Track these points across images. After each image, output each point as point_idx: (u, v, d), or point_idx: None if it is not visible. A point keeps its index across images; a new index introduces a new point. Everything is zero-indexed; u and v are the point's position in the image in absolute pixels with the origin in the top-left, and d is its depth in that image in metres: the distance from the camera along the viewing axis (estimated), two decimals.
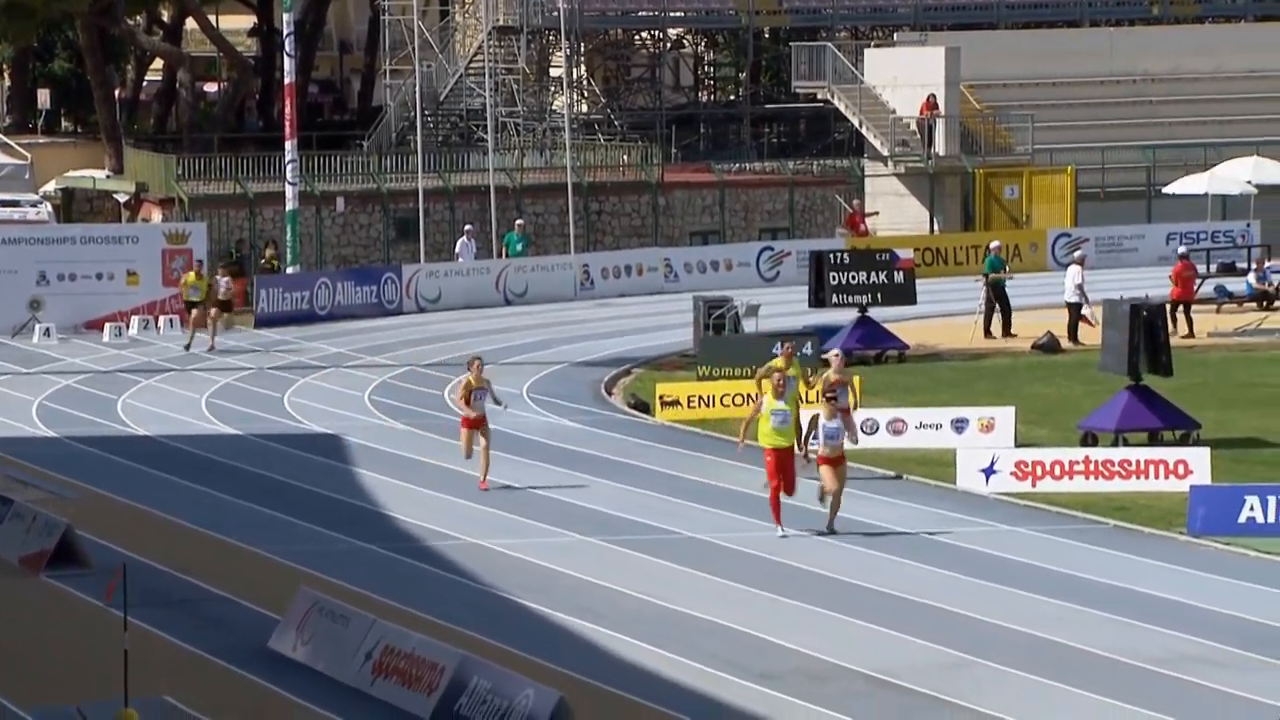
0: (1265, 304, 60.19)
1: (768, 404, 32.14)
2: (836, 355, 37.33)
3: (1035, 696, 23.76)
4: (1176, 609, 27.64)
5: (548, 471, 38.53)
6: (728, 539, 32.32)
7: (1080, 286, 54.33)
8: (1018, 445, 38.74)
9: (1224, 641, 25.90)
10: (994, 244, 59.12)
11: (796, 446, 32.77)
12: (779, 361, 37.47)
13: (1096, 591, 28.74)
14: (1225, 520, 32.45)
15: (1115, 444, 38.52)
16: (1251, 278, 61.65)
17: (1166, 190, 72.02)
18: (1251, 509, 32.53)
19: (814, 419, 32.51)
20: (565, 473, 38.43)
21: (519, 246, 69.20)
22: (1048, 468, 36.59)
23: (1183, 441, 38.40)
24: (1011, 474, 36.51)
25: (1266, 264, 62.53)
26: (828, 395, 33.96)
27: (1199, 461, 35.82)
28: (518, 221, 69.91)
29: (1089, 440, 39.00)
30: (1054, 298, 56.83)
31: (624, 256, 71.54)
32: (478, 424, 35.64)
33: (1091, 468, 36.52)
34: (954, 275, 67.35)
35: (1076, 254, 57.76)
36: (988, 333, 54.74)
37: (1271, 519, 32.29)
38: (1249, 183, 69.08)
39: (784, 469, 31.83)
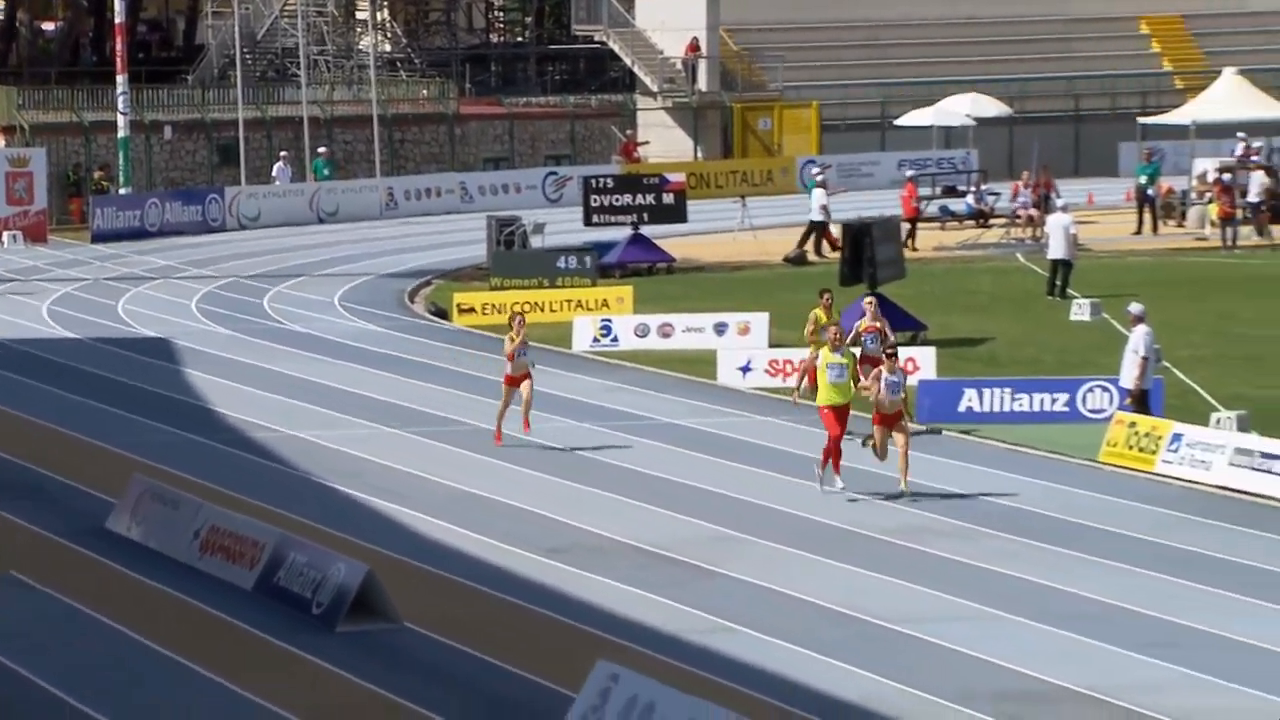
0: (982, 222, 60.86)
1: (824, 357, 27.61)
2: (871, 301, 32.01)
3: (786, 564, 23.93)
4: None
5: (356, 371, 38.34)
6: (516, 430, 32.28)
7: (824, 207, 54.72)
8: (771, 346, 38.98)
9: (945, 514, 26.21)
10: (815, 171, 59.60)
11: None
12: (820, 313, 31.23)
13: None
14: (948, 409, 32.89)
15: (855, 343, 38.76)
16: (970, 199, 62.36)
17: (897, 122, 72.60)
18: (969, 399, 33.03)
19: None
20: (372, 371, 38.26)
21: (325, 171, 69.34)
22: (796, 365, 36.79)
23: (911, 341, 38.77)
24: (765, 371, 36.86)
25: (983, 187, 63.18)
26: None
27: (926, 359, 36.26)
28: (320, 149, 69.65)
29: None
30: (802, 216, 57.11)
31: (424, 180, 71.56)
32: (520, 380, 30.43)
33: None
34: (715, 197, 67.57)
35: (819, 177, 58.06)
36: (818, 251, 54.43)
37: (986, 408, 32.81)
38: (968, 116, 69.73)
39: (843, 422, 27.40)
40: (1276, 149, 60.93)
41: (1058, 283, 46.22)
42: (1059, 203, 52.07)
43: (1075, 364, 34.85)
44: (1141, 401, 30.11)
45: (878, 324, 31.21)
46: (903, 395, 27.12)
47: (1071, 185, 64.36)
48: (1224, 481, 27.71)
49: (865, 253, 39.01)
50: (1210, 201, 57.28)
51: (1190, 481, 27.95)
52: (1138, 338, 30.26)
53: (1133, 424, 29.51)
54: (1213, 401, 32.25)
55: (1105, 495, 27.46)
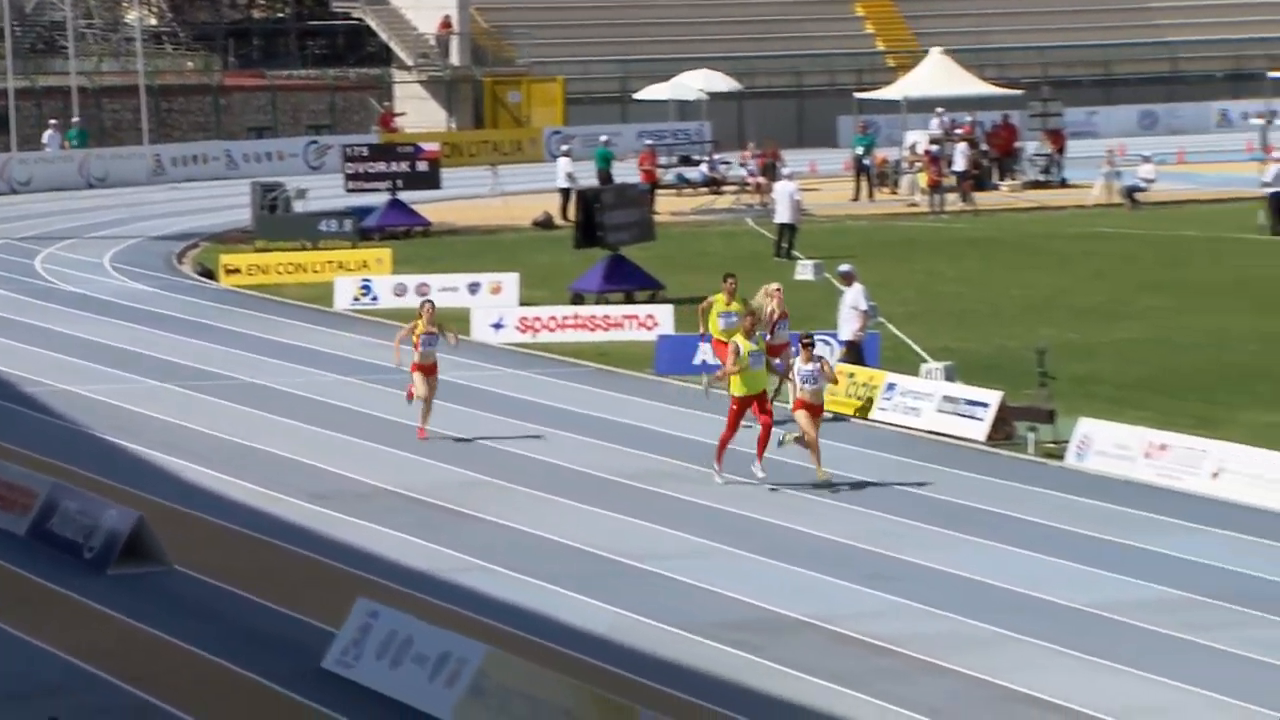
0: (715, 189, 61.23)
1: (743, 345, 24.58)
2: (778, 288, 28.75)
3: (536, 507, 23.95)
4: (647, 434, 28.06)
5: (127, 328, 37.81)
6: (282, 384, 32.03)
7: (570, 174, 54.72)
8: (521, 304, 38.98)
9: (682, 458, 26.37)
10: (603, 137, 59.55)
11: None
12: (720, 298, 28.71)
13: (584, 421, 29.04)
14: (683, 363, 33.06)
15: (598, 302, 38.96)
16: (704, 168, 62.75)
17: (636, 96, 72.79)
18: (703, 353, 33.13)
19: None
20: (143, 329, 37.75)
21: (76, 141, 68.56)
22: (545, 322, 37.01)
23: (651, 299, 38.99)
24: (516, 328, 36.88)
25: (715, 156, 63.56)
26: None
27: (664, 315, 36.53)
28: (74, 119, 68.72)
29: (577, 299, 39.39)
30: (549, 183, 57.09)
31: (190, 148, 70.94)
32: (429, 371, 27.57)
33: (579, 321, 37.03)
34: (468, 165, 67.39)
35: (565, 148, 58.07)
36: (564, 215, 54.25)
37: (716, 362, 32.85)
38: (701, 91, 70.09)
39: (760, 408, 24.74)
40: (979, 122, 61.91)
41: (784, 245, 46.70)
42: (784, 171, 52.57)
43: (799, 319, 35.08)
44: (857, 353, 30.49)
45: (786, 311, 28.57)
46: (822, 386, 24.73)
47: (795, 155, 64.94)
48: (933, 426, 28.15)
49: (596, 218, 39.24)
50: (920, 171, 58.19)
51: (903, 426, 28.36)
52: (855, 294, 30.62)
53: (851, 374, 29.87)
54: (922, 354, 32.71)
55: (827, 440, 27.73)
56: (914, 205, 57.49)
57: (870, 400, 29.20)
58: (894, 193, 60.12)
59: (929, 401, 28.54)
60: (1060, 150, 61.92)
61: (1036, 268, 44.42)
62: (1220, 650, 18.08)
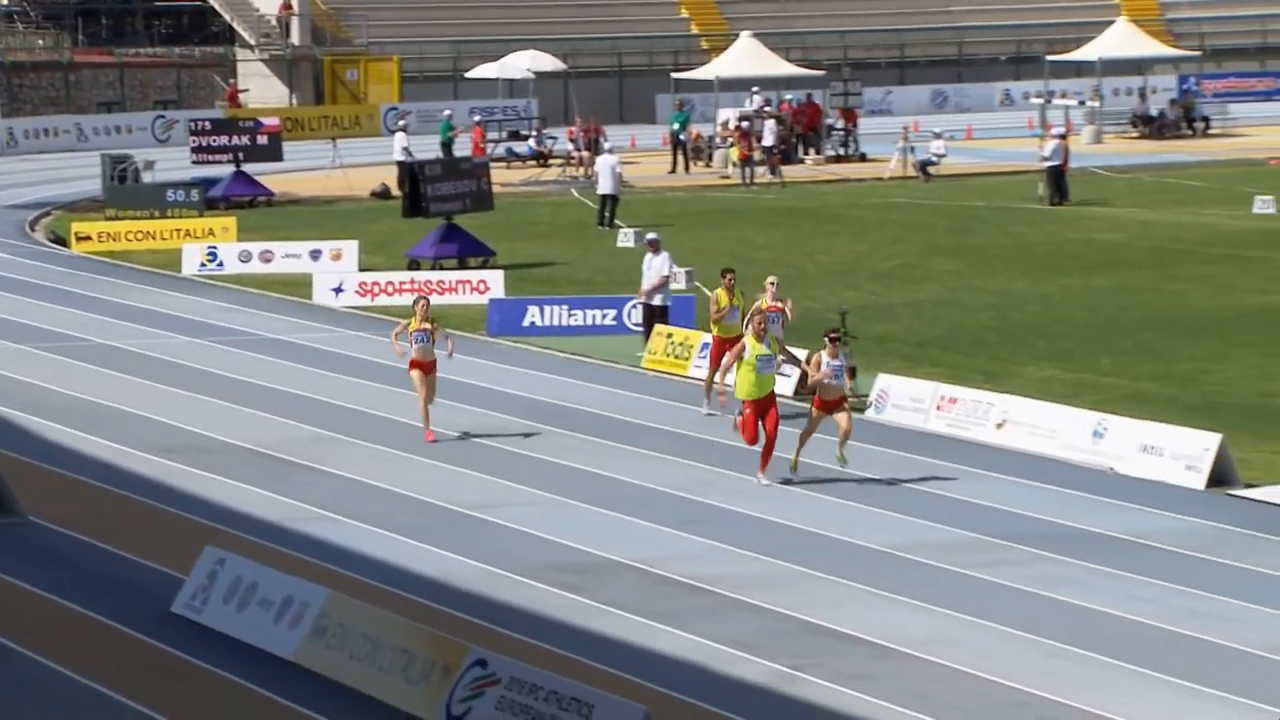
0: (542, 162, 61.11)
1: (751, 348, 22.01)
2: (773, 282, 25.97)
3: (377, 461, 23.83)
4: (480, 391, 27.99)
5: None
6: (133, 345, 31.64)
7: (406, 148, 54.41)
8: (360, 270, 38.73)
9: (511, 413, 26.34)
10: (445, 111, 59.15)
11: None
12: (722, 293, 25.93)
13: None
14: (513, 324, 33.07)
15: (433, 268, 38.79)
16: (532, 142, 62.61)
17: (468, 75, 72.43)
18: (532, 315, 33.27)
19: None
20: None
21: None
22: (383, 286, 36.84)
23: (482, 265, 38.88)
24: (355, 292, 36.69)
25: (543, 131, 63.42)
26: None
27: (495, 280, 36.44)
28: None
29: (413, 265, 39.19)
30: (386, 156, 56.73)
31: (42, 122, 69.96)
32: (427, 369, 24.55)
33: (416, 286, 36.80)
34: (309, 139, 66.75)
35: (401, 123, 57.66)
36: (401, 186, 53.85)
37: (547, 322, 33.06)
38: (528, 70, 69.88)
39: (765, 414, 22.26)
40: (795, 99, 62.24)
41: (606, 214, 46.68)
42: (606, 145, 52.52)
43: (621, 283, 35.16)
44: (662, 315, 30.55)
45: (780, 304, 25.71)
46: (845, 380, 22.39)
47: (616, 131, 64.93)
48: None
49: (421, 189, 39.16)
50: (732, 145, 58.37)
51: (718, 382, 28.43)
52: (661, 261, 30.71)
53: (669, 335, 29.95)
54: None
55: (647, 395, 27.85)
56: (726, 177, 57.69)
57: (687, 359, 29.29)
58: (708, 166, 60.30)
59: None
60: (853, 126, 62.40)
61: (839, 235, 44.73)
62: (1006, 585, 18.34)
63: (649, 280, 30.48)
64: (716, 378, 25.37)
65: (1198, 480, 21.90)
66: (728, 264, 40.01)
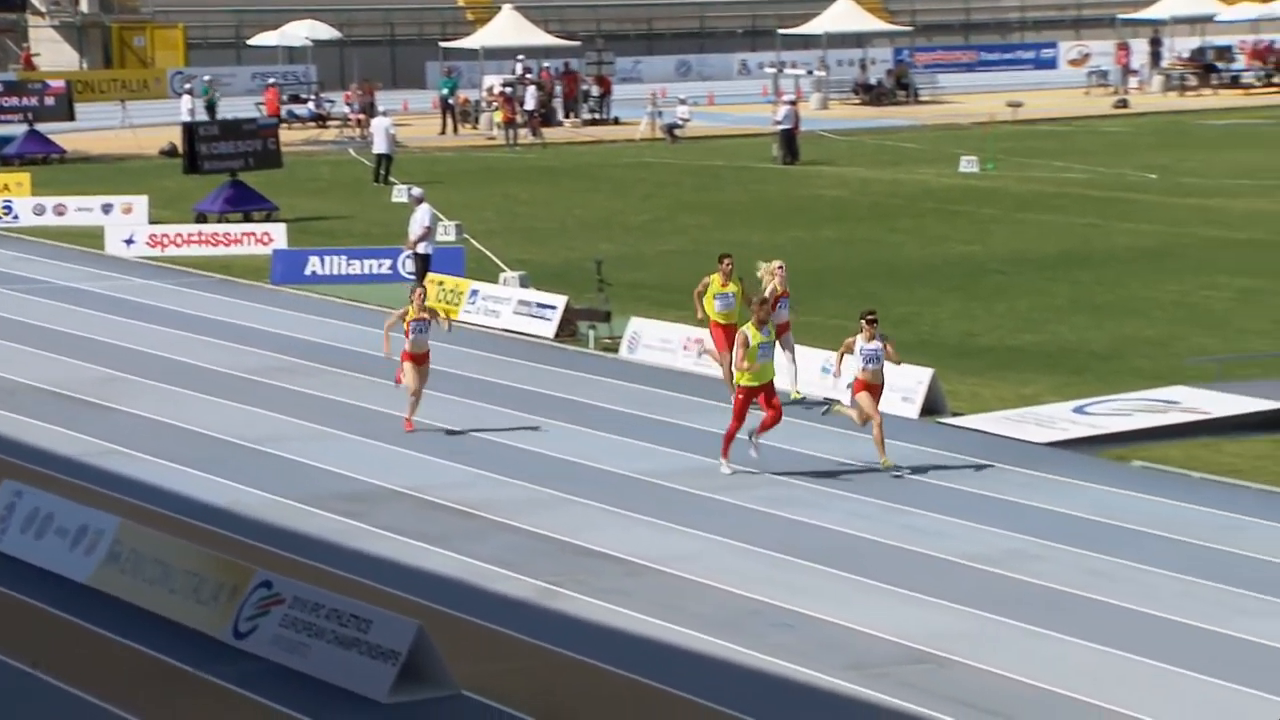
0: (321, 124, 60.39)
1: (753, 337, 19.50)
2: (780, 265, 22.70)
3: (165, 399, 23.45)
4: (267, 335, 27.65)
5: None
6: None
7: (191, 110, 53.47)
8: (150, 223, 38.00)
9: (295, 355, 26.04)
10: (205, 76, 57.96)
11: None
12: (716, 279, 22.99)
13: (210, 324, 28.50)
14: (295, 273, 32.70)
15: (219, 221, 38.16)
16: (311, 105, 61.85)
17: (250, 42, 71.26)
18: (314, 265, 32.91)
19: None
20: None
21: None
22: (172, 238, 36.24)
23: (266, 219, 38.35)
24: (146, 243, 36.04)
25: (321, 95, 62.64)
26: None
27: (278, 232, 35.99)
28: None
29: (201, 219, 38.54)
30: (174, 117, 55.62)
31: None
32: (421, 360, 21.71)
33: (203, 238, 36.35)
34: (100, 101, 65.31)
35: (187, 86, 56.66)
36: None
37: (327, 272, 32.73)
38: (307, 38, 68.94)
39: (767, 402, 19.77)
40: (553, 67, 62.12)
41: (381, 172, 46.33)
42: (380, 109, 52.01)
43: (396, 236, 34.88)
44: (425, 263, 30.43)
45: (787, 290, 22.69)
46: (883, 365, 19.73)
47: (390, 95, 64.32)
48: (510, 326, 28.28)
49: (197, 148, 38.81)
50: (496, 109, 58.15)
51: (485, 326, 28.42)
52: (424, 213, 30.60)
53: (441, 282, 29.82)
54: (500, 264, 32.79)
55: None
56: (492, 139, 57.43)
57: (458, 305, 29.19)
58: (474, 128, 59.98)
59: (507, 305, 28.69)
60: (607, 92, 62.48)
61: (595, 191, 44.78)
62: (742, 506, 18.55)
63: (413, 231, 30.38)
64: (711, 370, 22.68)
65: (912, 410, 22.32)
66: (492, 217, 39.95)
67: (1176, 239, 35.13)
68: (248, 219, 38.53)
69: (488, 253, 34.49)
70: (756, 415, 19.72)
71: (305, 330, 28.05)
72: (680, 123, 57.29)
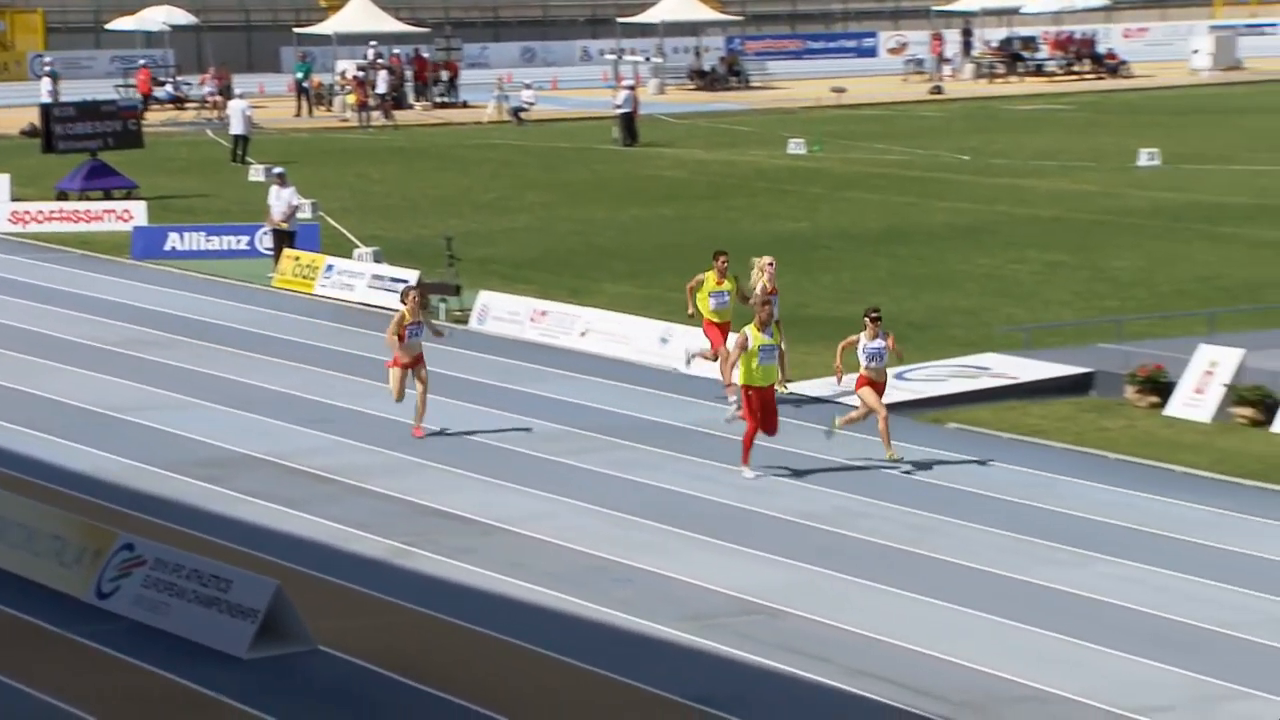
0: (179, 105, 59.52)
1: (753, 339, 18.10)
2: (770, 263, 21.09)
3: (29, 370, 22.99)
4: (128, 309, 27.18)
5: None
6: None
7: (52, 91, 52.48)
8: (13, 200, 37.17)
9: (155, 327, 25.62)
10: (47, 58, 56.67)
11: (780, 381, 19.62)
12: (711, 276, 21.16)
13: (73, 298, 27.98)
14: (155, 249, 32.28)
15: (80, 199, 37.45)
16: (170, 87, 60.93)
17: (109, 26, 69.96)
18: (174, 241, 32.48)
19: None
20: None
21: None
22: (34, 215, 35.57)
23: (126, 196, 37.70)
24: (9, 220, 35.37)
25: (179, 78, 61.71)
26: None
27: (138, 210, 35.47)
28: None
29: (62, 196, 37.84)
30: (35, 99, 54.44)
31: None
32: (414, 364, 19.88)
33: (65, 215, 35.69)
34: None
35: (47, 69, 55.58)
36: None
37: (187, 247, 32.30)
38: (164, 23, 67.84)
39: (766, 407, 18.42)
40: (404, 53, 61.59)
41: (238, 152, 45.77)
42: (237, 92, 51.29)
43: (253, 213, 34.45)
44: (289, 239, 30.08)
45: (775, 288, 20.97)
46: (886, 364, 18.56)
47: (245, 79, 63.39)
48: (364, 299, 28.04)
49: (52, 128, 38.26)
50: (349, 93, 57.58)
51: (340, 299, 28.14)
52: (288, 192, 30.23)
53: (297, 257, 29.49)
54: (355, 240, 32.47)
55: (278, 311, 27.40)
56: (345, 121, 56.85)
57: (313, 279, 28.90)
58: (329, 110, 59.34)
59: (361, 279, 28.43)
60: (455, 77, 62.11)
61: (445, 171, 44.48)
62: (589, 469, 18.53)
63: (278, 210, 29.98)
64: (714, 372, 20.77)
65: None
66: (347, 196, 39.56)
67: (988, 216, 35.58)
68: (108, 196, 37.85)
69: (342, 229, 34.13)
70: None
71: (165, 304, 27.61)
72: (526, 106, 57.06)
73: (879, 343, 18.36)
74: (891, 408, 20.69)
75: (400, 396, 19.77)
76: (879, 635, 13.71)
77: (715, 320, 21.14)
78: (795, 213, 36.95)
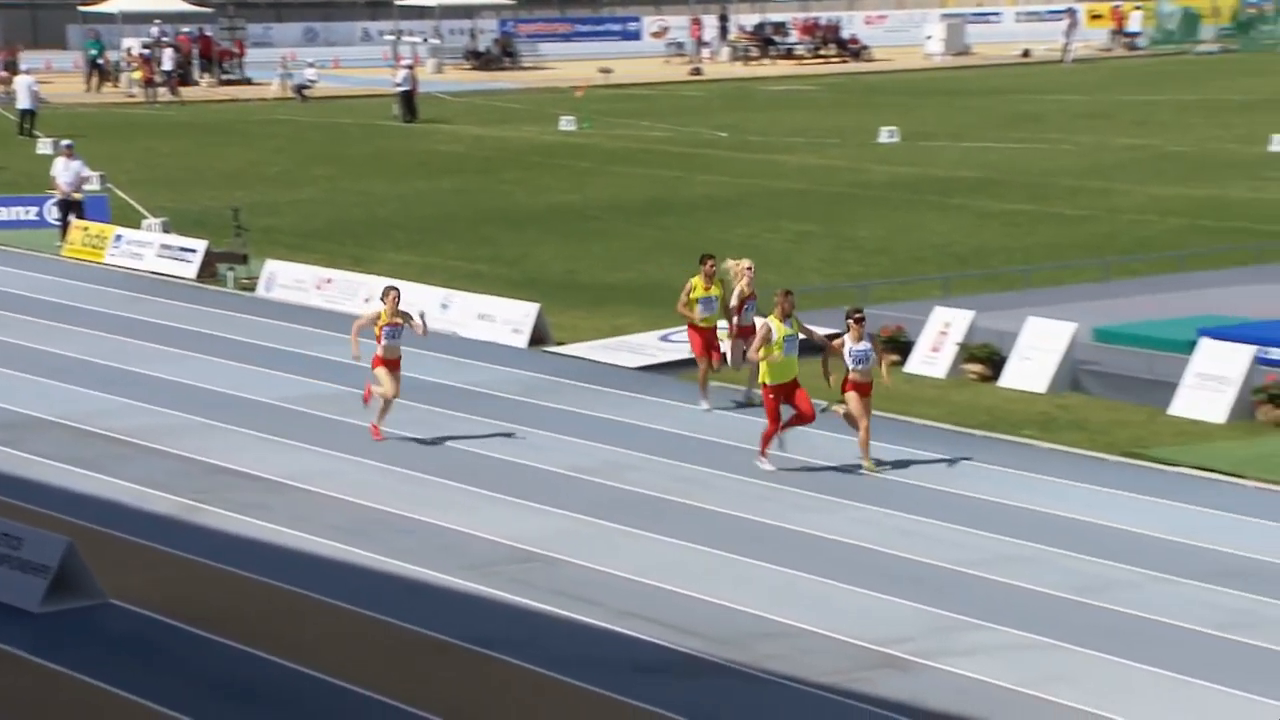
0: None
1: (777, 330, 16.65)
2: (749, 266, 19.07)
3: None
4: None
5: None
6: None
7: None
8: None
9: None
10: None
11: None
12: (698, 282, 19.05)
13: None
14: None
15: None
16: None
17: None
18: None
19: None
20: None
21: None
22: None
23: None
24: None
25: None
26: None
27: None
28: None
29: None
30: None
31: None
32: (394, 366, 17.78)
33: None
34: None
35: None
36: None
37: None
38: None
39: (791, 397, 16.82)
40: (190, 31, 60.23)
41: (25, 126, 44.57)
42: (24, 67, 49.75)
43: (40, 185, 33.46)
44: (79, 210, 29.33)
45: (754, 293, 19.16)
46: (872, 367, 16.77)
47: (32, 55, 61.50)
48: (154, 268, 27.47)
49: None
50: (136, 70, 56.20)
51: (130, 268, 27.50)
52: (79, 164, 29.48)
53: (86, 228, 28.76)
54: (144, 211, 31.75)
55: (69, 279, 26.70)
56: (132, 96, 55.47)
57: (102, 248, 28.21)
58: (116, 86, 57.84)
59: (150, 248, 27.84)
60: (242, 55, 60.98)
61: (231, 145, 43.63)
62: (362, 426, 18.33)
63: (66, 180, 29.20)
64: (721, 362, 19.13)
65: (521, 340, 22.41)
66: (135, 168, 38.65)
67: (744, 189, 35.96)
68: None
69: (131, 201, 33.32)
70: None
71: None
72: (309, 84, 56.23)
73: (865, 345, 16.60)
74: (659, 368, 20.88)
75: (395, 391, 17.53)
76: (646, 579, 13.83)
77: (702, 326, 19.01)
78: (566, 186, 36.97)
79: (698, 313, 19.04)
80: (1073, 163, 38.16)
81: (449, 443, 17.83)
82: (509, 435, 18.07)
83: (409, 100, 49.67)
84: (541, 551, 14.51)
